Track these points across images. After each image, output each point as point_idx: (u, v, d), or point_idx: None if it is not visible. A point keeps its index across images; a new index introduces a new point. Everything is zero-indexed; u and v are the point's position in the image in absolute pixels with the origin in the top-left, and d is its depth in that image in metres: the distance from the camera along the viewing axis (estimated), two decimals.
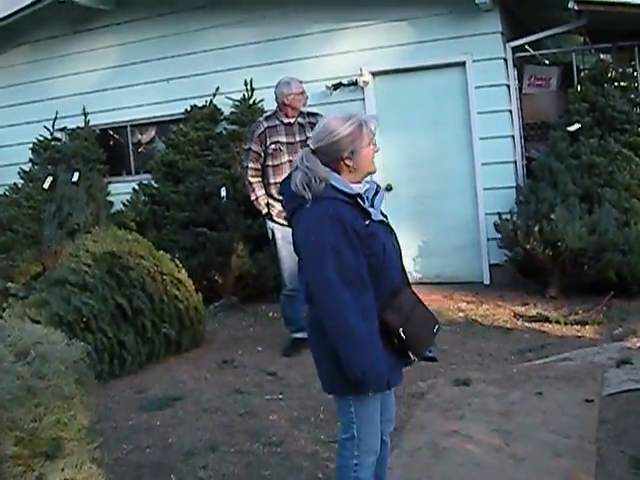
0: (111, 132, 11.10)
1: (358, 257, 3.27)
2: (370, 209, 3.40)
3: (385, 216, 3.56)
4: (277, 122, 7.16)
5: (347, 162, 3.39)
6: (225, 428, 5.50)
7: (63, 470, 3.36)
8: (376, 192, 3.54)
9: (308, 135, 7.01)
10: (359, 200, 3.36)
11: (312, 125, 6.97)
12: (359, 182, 3.48)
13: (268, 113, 7.43)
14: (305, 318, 3.76)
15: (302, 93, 7.19)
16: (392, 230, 3.56)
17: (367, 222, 3.35)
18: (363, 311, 3.24)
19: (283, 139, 7.14)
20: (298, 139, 7.14)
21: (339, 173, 3.40)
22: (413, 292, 3.57)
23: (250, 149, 7.22)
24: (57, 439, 3.38)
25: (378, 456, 3.65)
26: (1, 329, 3.77)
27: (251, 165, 7.20)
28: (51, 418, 3.34)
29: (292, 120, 7.16)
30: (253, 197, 7.25)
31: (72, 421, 3.49)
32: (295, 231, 3.46)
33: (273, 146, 7.12)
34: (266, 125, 7.15)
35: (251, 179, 7.21)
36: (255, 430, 5.40)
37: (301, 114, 7.22)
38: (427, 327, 3.52)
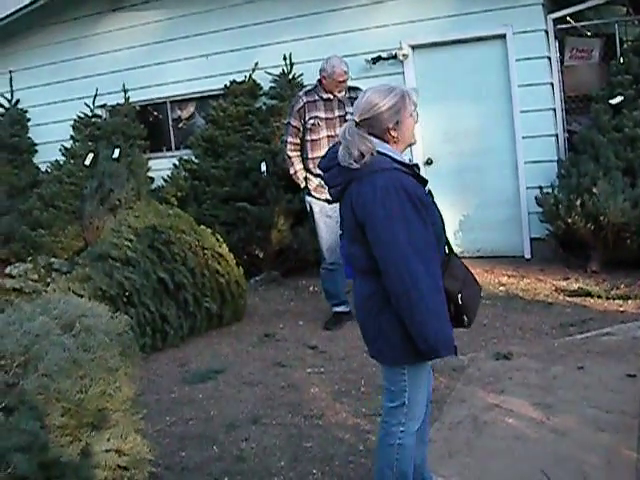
0: (151, 108, 11.14)
1: (427, 226, 3.31)
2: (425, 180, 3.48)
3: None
4: (316, 97, 7.15)
5: (392, 133, 3.41)
6: (266, 401, 5.55)
7: (109, 440, 3.43)
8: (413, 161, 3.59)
9: (348, 110, 7.01)
10: (416, 170, 3.44)
11: (352, 100, 6.95)
12: (402, 153, 3.52)
13: (308, 88, 7.43)
14: (352, 291, 3.76)
15: (343, 81, 7.16)
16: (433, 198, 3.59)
17: (427, 190, 3.43)
18: (434, 281, 3.28)
19: (322, 114, 7.13)
20: (337, 114, 7.13)
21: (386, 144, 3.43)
22: (459, 258, 3.64)
23: (289, 123, 7.26)
24: (102, 410, 3.45)
25: (424, 422, 3.71)
26: (47, 302, 3.83)
27: (290, 139, 7.23)
28: (96, 389, 3.40)
29: (331, 96, 7.15)
30: (292, 171, 7.29)
31: (117, 393, 3.55)
32: (354, 205, 3.40)
33: (312, 121, 7.12)
34: (305, 100, 7.15)
35: (290, 153, 7.24)
36: (296, 403, 5.45)
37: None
38: (477, 292, 3.61)
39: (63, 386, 3.26)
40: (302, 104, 7.14)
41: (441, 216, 3.54)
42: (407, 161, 3.45)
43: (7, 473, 2.82)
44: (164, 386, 6.04)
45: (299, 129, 7.17)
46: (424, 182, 3.43)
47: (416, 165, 3.46)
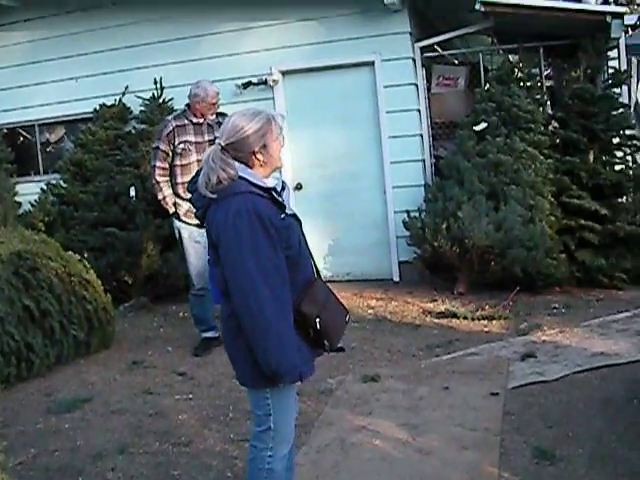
0: (18, 131, 10.90)
1: (276, 251, 3.27)
2: (286, 203, 3.43)
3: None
4: (186, 121, 7.13)
5: (258, 156, 3.41)
6: (134, 429, 5.45)
7: None
8: (282, 188, 3.53)
9: (217, 135, 6.99)
10: (274, 194, 3.38)
11: (220, 125, 6.97)
12: (268, 177, 3.50)
13: (177, 112, 7.41)
14: (219, 315, 3.75)
15: (215, 104, 7.18)
16: (300, 222, 3.57)
17: (283, 215, 3.37)
18: (280, 306, 3.25)
19: (192, 138, 7.11)
20: (207, 139, 7.12)
21: (251, 168, 3.41)
22: (324, 283, 3.61)
23: (158, 148, 7.17)
24: None
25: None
26: None
27: (158, 164, 7.15)
28: None
29: (201, 120, 7.14)
30: (160, 196, 7.21)
31: None
32: (210, 228, 3.41)
33: (182, 145, 7.08)
34: (175, 124, 7.12)
35: (158, 178, 7.16)
36: (164, 430, 5.37)
37: None
38: (340, 317, 3.58)
39: None
40: (171, 128, 7.10)
41: (303, 240, 3.55)
42: (270, 184, 3.42)
43: None
44: (29, 417, 5.87)
45: (168, 154, 7.10)
46: (282, 207, 3.40)
47: (274, 189, 3.42)
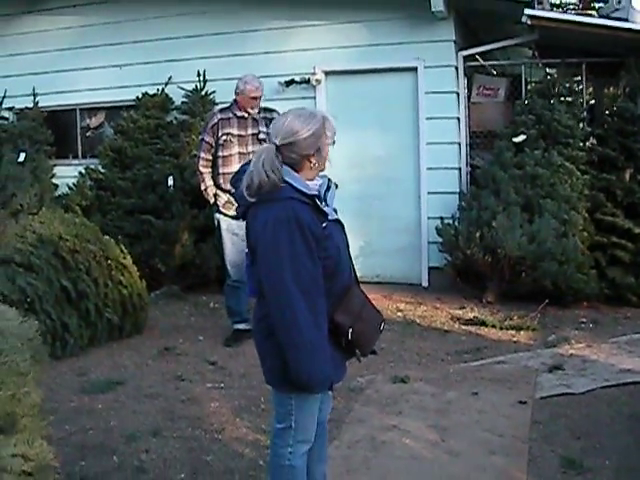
0: (59, 114, 11.02)
1: (314, 262, 3.26)
2: (326, 208, 3.39)
3: (335, 210, 3.56)
4: (231, 114, 7.24)
5: (312, 159, 3.38)
6: (167, 414, 5.56)
7: (15, 445, 3.41)
8: (328, 187, 3.52)
9: (261, 129, 7.12)
10: (317, 201, 3.34)
11: (266, 120, 7.09)
12: (313, 179, 3.46)
13: (224, 105, 7.51)
14: (252, 311, 3.77)
15: (255, 98, 7.24)
16: (342, 225, 3.56)
17: (324, 224, 3.33)
18: (315, 318, 3.25)
19: (235, 131, 7.21)
20: (250, 132, 7.22)
21: (300, 170, 3.38)
22: (361, 290, 3.61)
23: (203, 139, 7.33)
24: (11, 414, 3.43)
25: (322, 440, 3.80)
26: None
27: (202, 155, 7.31)
28: (7, 393, 3.38)
29: (246, 114, 7.24)
30: (202, 187, 7.35)
31: (26, 397, 3.54)
32: (250, 228, 3.42)
33: (224, 137, 7.20)
34: (220, 117, 7.24)
35: (202, 169, 7.32)
36: (196, 417, 5.48)
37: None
38: (374, 326, 3.57)
39: None
40: (216, 121, 7.23)
41: (344, 245, 3.53)
42: (314, 190, 3.37)
43: None
44: (63, 395, 5.98)
45: (212, 145, 7.24)
46: (323, 214, 3.35)
47: (317, 196, 3.35)
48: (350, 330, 3.37)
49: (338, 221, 3.52)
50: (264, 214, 3.30)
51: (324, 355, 3.28)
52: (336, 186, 3.61)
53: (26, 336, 3.83)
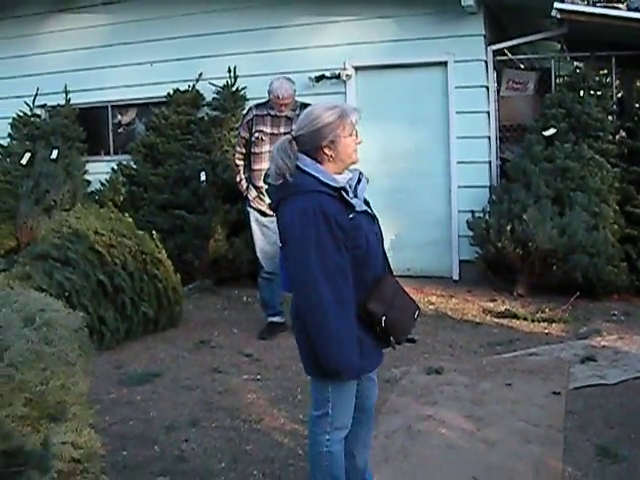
0: (92, 111, 11.12)
1: (341, 252, 3.33)
2: (354, 200, 3.44)
3: (368, 203, 3.63)
4: (265, 112, 7.32)
5: (326, 151, 3.44)
6: (205, 405, 5.66)
7: (65, 433, 3.51)
8: (359, 180, 3.57)
9: (293, 128, 7.17)
10: (343, 193, 3.40)
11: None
12: (341, 173, 3.52)
13: (261, 101, 7.57)
14: (290, 304, 3.84)
15: (284, 104, 7.24)
16: (374, 218, 3.62)
17: (351, 215, 3.40)
18: (342, 306, 3.33)
19: (267, 129, 7.29)
20: (282, 131, 7.22)
21: (320, 163, 3.45)
22: (395, 280, 3.66)
23: (239, 133, 7.54)
24: (61, 402, 3.52)
25: (368, 427, 3.92)
26: (8, 295, 3.90)
27: (238, 149, 7.52)
28: (57, 382, 3.47)
29: (279, 112, 7.31)
30: (237, 179, 7.56)
31: (75, 386, 3.64)
32: (280, 222, 3.51)
33: (256, 134, 7.29)
34: (255, 113, 7.34)
35: (237, 162, 7.54)
36: (234, 407, 5.57)
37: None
38: (408, 314, 3.63)
39: (27, 377, 3.33)
40: (251, 117, 7.34)
41: (379, 233, 3.60)
42: (341, 182, 3.43)
43: None
44: (102, 387, 6.08)
45: (246, 140, 7.36)
46: (350, 206, 3.42)
47: (344, 188, 3.41)
48: (384, 318, 3.44)
49: (368, 213, 3.57)
50: (291, 207, 3.39)
51: (351, 343, 3.36)
52: (367, 180, 3.67)
53: (73, 327, 3.92)
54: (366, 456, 3.99)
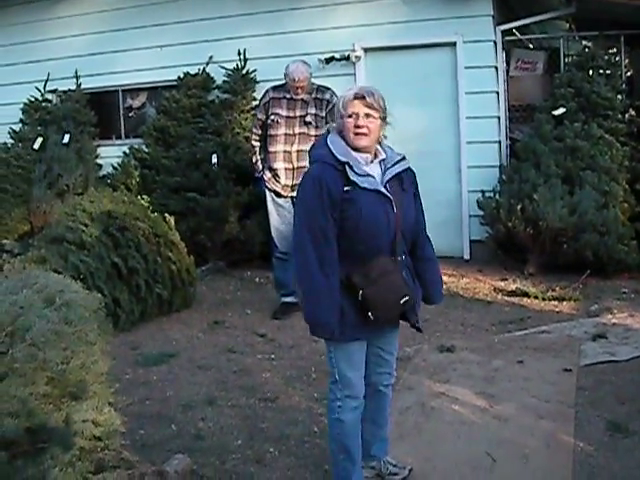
0: (102, 96, 11.17)
1: (326, 217, 3.58)
2: (355, 177, 3.60)
3: (401, 181, 3.81)
4: (282, 95, 7.38)
5: (341, 127, 3.74)
6: (220, 384, 5.74)
7: (86, 411, 3.59)
8: (395, 163, 3.81)
9: (309, 111, 7.24)
10: (347, 167, 3.61)
11: (316, 101, 7.22)
12: (368, 151, 3.71)
13: (278, 84, 7.60)
14: None
15: (299, 87, 7.29)
16: (388, 199, 3.67)
17: (347, 188, 3.61)
18: (322, 263, 3.58)
19: (283, 112, 7.34)
20: (298, 114, 7.31)
21: (343, 138, 3.71)
22: (396, 265, 3.73)
23: (256, 115, 7.66)
24: (82, 381, 3.60)
25: (375, 404, 4.02)
26: (28, 276, 3.97)
27: (254, 130, 7.63)
28: (77, 361, 3.55)
29: (295, 96, 7.36)
30: (254, 159, 7.63)
31: (94, 365, 3.72)
32: None
33: (272, 117, 7.35)
34: (271, 95, 7.42)
35: (253, 142, 7.65)
36: (250, 386, 5.65)
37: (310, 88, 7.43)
38: (393, 296, 3.69)
39: (49, 356, 3.40)
40: (268, 99, 7.42)
41: (367, 215, 3.62)
42: (344, 158, 3.61)
43: None
44: (118, 368, 6.06)
45: (263, 122, 7.44)
46: (350, 181, 3.60)
47: (347, 163, 3.61)
48: (360, 291, 3.63)
49: (380, 192, 3.67)
50: (305, 174, 3.82)
51: (329, 301, 3.61)
52: (410, 171, 4.00)
53: (91, 308, 3.99)
54: (380, 434, 4.12)
